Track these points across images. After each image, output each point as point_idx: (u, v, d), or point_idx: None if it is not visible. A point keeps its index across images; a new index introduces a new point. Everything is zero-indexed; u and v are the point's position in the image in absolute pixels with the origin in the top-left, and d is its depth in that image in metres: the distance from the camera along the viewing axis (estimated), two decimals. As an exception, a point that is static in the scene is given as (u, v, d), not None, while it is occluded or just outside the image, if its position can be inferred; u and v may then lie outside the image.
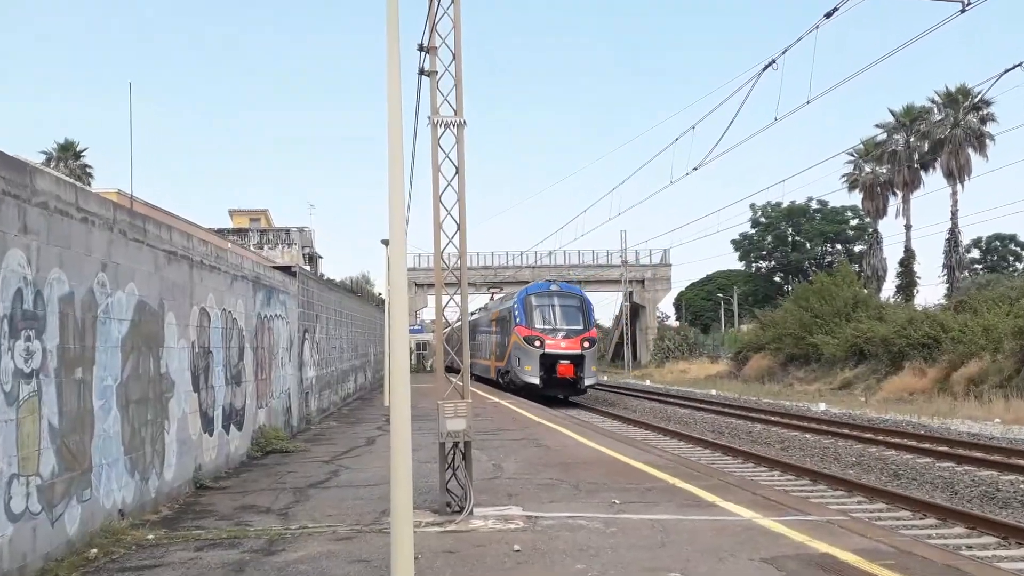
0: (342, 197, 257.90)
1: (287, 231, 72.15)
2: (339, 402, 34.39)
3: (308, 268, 56.99)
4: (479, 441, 21.89)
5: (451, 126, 15.50)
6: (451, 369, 44.91)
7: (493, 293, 70.77)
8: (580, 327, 44.72)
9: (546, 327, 43.76)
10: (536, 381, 41.37)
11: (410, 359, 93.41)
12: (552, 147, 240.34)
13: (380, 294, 74.08)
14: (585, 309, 45.93)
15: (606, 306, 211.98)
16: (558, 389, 43.69)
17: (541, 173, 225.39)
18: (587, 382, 43.92)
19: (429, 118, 15.43)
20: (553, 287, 47.00)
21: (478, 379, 55.44)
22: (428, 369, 78.18)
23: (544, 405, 38.28)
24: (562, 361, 43.04)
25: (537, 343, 42.80)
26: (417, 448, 19.30)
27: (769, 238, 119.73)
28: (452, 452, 14.49)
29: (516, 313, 43.67)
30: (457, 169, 15.57)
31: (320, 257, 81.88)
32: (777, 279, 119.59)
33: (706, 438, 28.01)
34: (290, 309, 24.87)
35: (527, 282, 75.08)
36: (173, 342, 15.45)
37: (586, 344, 43.96)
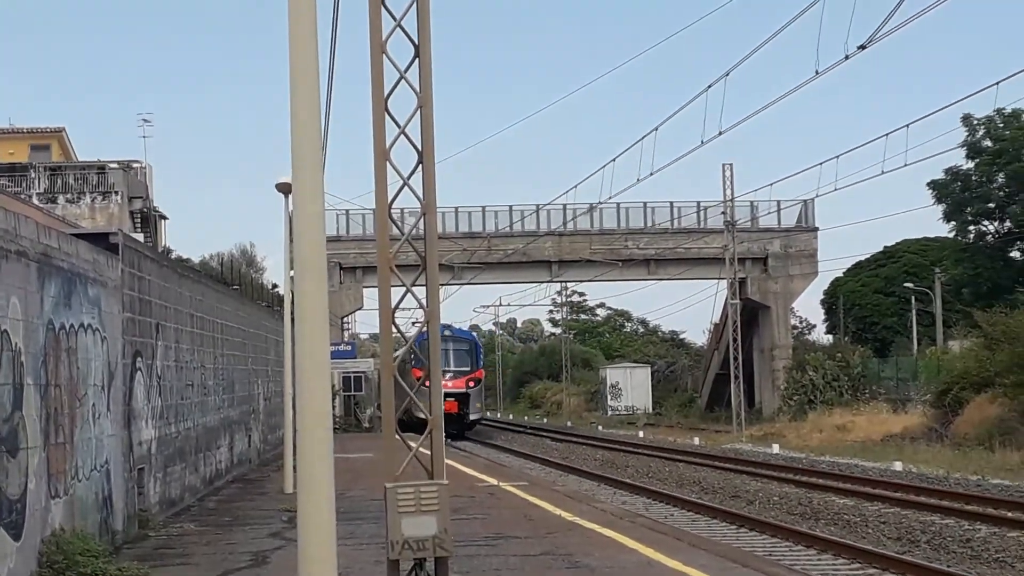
0: (205, 106, 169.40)
1: (101, 168, 44.51)
2: (201, 486, 23.11)
3: (142, 237, 37.44)
4: (464, 559, 13.87)
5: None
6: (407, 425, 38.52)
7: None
8: (467, 368, 53.33)
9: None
10: (423, 416, 40.70)
11: (335, 406, 64.56)
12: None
13: (276, 287, 44.22)
14: (474, 352, 54.85)
15: (698, 308, 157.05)
16: (447, 425, 42.84)
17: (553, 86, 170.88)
18: (472, 416, 52.89)
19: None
20: (446, 332, 50.40)
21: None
22: (367, 425, 54.61)
23: (573, 484, 29.29)
24: (448, 399, 46.00)
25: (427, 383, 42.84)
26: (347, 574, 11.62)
27: (1001, 177, 64.71)
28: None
29: (411, 356, 41.33)
30: (417, 47, 8.31)
31: (165, 218, 52.14)
32: (1016, 254, 67.48)
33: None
34: (108, 314, 15.62)
35: (548, 262, 64.45)
36: None
37: (471, 384, 53.08)
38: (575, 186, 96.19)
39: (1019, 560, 16.41)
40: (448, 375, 49.44)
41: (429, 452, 9.02)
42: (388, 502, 8.60)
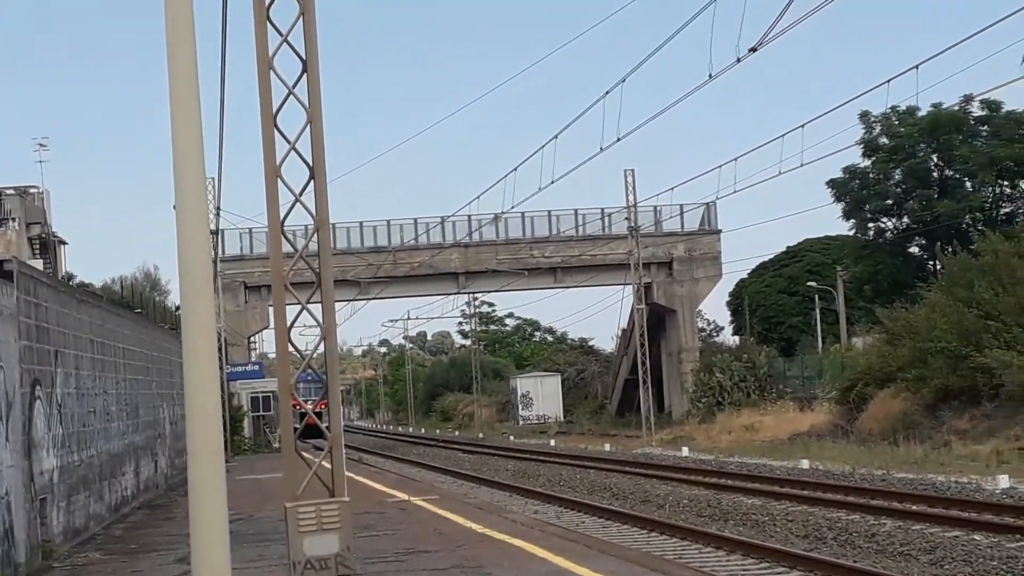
0: (104, 128, 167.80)
1: None
2: (107, 514, 22.71)
3: (40, 264, 37.22)
4: None
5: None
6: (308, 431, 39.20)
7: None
8: (319, 398, 53.49)
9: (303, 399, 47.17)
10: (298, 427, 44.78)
11: (244, 427, 62.65)
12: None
13: (179, 310, 44.75)
14: (324, 386, 74.64)
15: (605, 314, 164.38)
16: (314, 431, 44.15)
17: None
18: (324, 426, 72.12)
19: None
20: (309, 376, 50.10)
21: None
22: (276, 445, 52.55)
23: (485, 496, 29.24)
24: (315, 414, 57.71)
25: (298, 407, 46.66)
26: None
27: (898, 174, 64.53)
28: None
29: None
30: (305, 62, 8.26)
31: (64, 244, 51.40)
32: (915, 249, 68.24)
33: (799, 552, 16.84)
34: (4, 342, 15.36)
35: (455, 273, 64.77)
36: None
37: (322, 406, 70.61)
38: (478, 196, 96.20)
39: (923, 552, 16.64)
40: (310, 403, 54.43)
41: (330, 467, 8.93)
42: (288, 522, 8.48)
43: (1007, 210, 62.91)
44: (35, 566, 16.11)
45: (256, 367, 60.23)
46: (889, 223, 67.29)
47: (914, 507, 21.55)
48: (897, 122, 62.70)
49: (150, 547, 18.67)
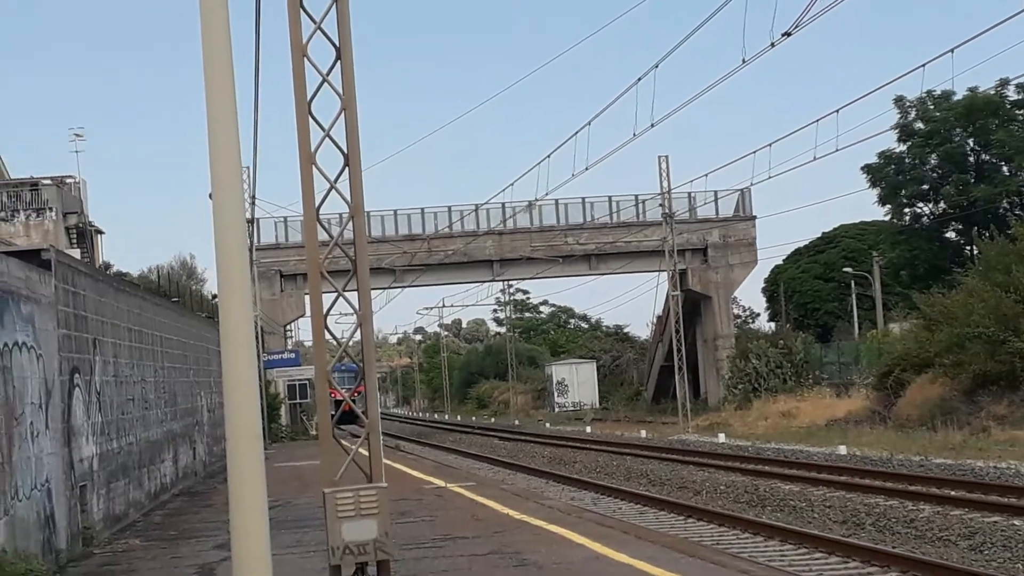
0: (141, 123, 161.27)
1: (34, 185, 44.21)
2: (146, 501, 22.86)
3: (77, 253, 37.41)
4: (412, 561, 13.85)
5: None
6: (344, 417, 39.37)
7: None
8: (355, 385, 50.81)
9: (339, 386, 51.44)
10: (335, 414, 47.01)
11: (281, 415, 62.42)
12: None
13: (216, 298, 44.46)
14: (358, 377, 72.59)
15: (640, 300, 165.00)
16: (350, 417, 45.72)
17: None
18: (359, 411, 71.55)
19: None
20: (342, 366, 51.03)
21: None
22: (313, 432, 52.28)
23: (522, 482, 29.23)
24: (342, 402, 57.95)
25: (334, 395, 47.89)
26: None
27: (933, 159, 64.46)
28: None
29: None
30: (339, 49, 8.24)
31: (101, 233, 51.23)
32: (951, 234, 67.81)
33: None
34: (43, 331, 15.42)
35: (490, 261, 64.43)
36: None
37: (356, 394, 66.66)
38: (512, 184, 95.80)
39: (962, 538, 16.54)
40: (346, 389, 56.57)
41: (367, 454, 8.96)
42: (327, 507, 8.53)
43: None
44: (76, 552, 16.32)
45: (292, 355, 60.45)
46: (925, 208, 67.14)
47: (953, 492, 21.41)
48: (932, 106, 62.47)
49: (189, 534, 18.83)
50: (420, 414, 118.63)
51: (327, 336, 8.78)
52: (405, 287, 64.71)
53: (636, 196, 63.32)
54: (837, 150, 37.89)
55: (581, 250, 63.96)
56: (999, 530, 16.80)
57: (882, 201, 66.24)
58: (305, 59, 8.37)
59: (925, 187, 65.19)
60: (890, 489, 22.52)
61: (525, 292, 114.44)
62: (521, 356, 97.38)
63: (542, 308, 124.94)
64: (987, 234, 44.40)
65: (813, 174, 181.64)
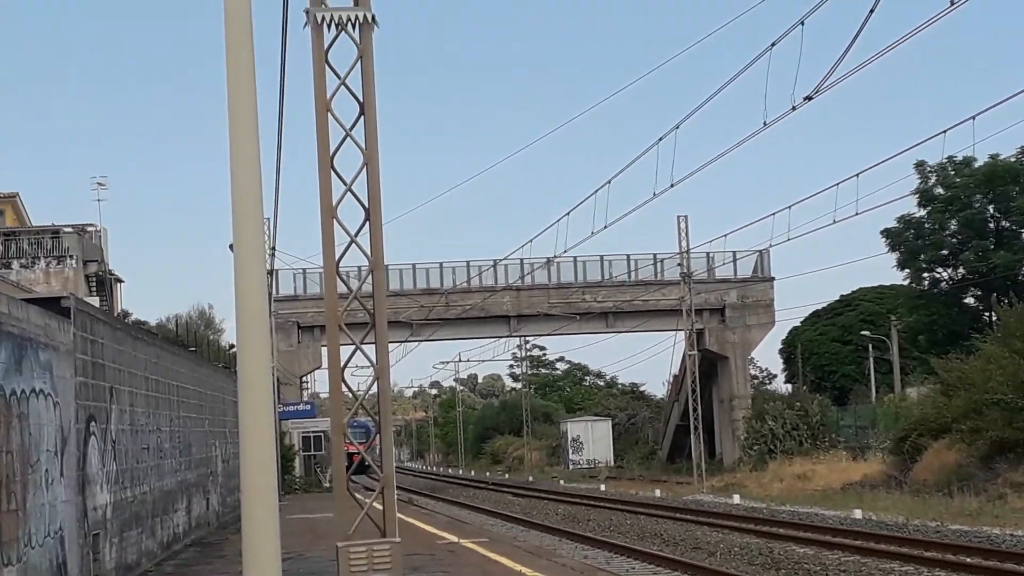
0: (162, 174, 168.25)
1: (55, 233, 44.34)
2: (158, 550, 22.59)
3: (97, 301, 37.80)
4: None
5: (348, 25, 8.33)
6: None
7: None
8: (365, 440, 58.51)
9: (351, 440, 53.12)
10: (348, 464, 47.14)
11: (295, 466, 61.12)
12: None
13: (232, 348, 42.95)
14: (368, 433, 56.29)
15: (657, 359, 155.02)
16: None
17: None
18: (367, 464, 74.01)
19: (307, 11, 8.19)
20: (355, 422, 51.36)
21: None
22: (327, 484, 52.42)
23: (535, 539, 29.06)
24: (355, 454, 57.26)
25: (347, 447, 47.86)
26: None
27: (953, 224, 65.03)
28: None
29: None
30: (362, 105, 8.30)
31: (121, 281, 51.56)
32: (970, 300, 68.31)
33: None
34: (61, 378, 15.30)
35: (507, 316, 64.83)
36: None
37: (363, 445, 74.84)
38: (531, 240, 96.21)
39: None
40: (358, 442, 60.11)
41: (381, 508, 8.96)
42: (340, 561, 8.53)
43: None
44: (87, 601, 16.20)
45: (308, 407, 60.49)
46: (944, 273, 67.08)
47: (969, 559, 21.19)
48: (953, 172, 62.64)
49: (201, 585, 18.76)
50: (434, 468, 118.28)
51: (343, 389, 8.81)
52: (422, 341, 64.76)
53: (655, 255, 63.50)
54: (857, 214, 37.55)
55: (598, 308, 64.12)
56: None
57: (901, 265, 66.24)
58: (329, 114, 8.47)
59: (944, 252, 65.24)
60: (906, 555, 22.30)
61: (542, 348, 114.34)
62: (536, 412, 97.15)
63: (558, 365, 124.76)
64: (1006, 300, 44.70)
65: (832, 237, 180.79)
